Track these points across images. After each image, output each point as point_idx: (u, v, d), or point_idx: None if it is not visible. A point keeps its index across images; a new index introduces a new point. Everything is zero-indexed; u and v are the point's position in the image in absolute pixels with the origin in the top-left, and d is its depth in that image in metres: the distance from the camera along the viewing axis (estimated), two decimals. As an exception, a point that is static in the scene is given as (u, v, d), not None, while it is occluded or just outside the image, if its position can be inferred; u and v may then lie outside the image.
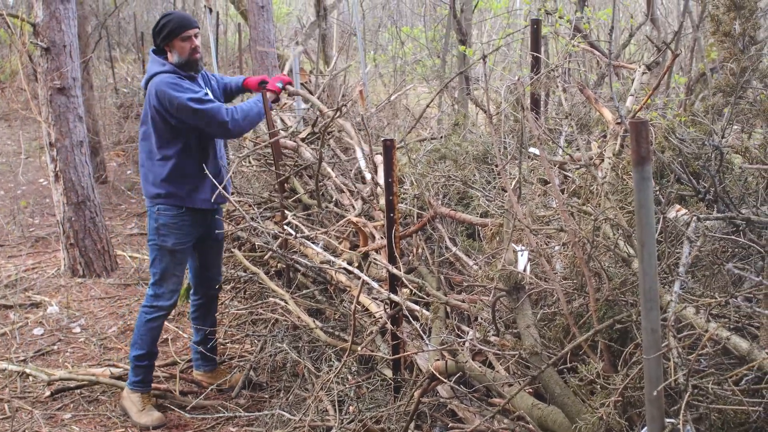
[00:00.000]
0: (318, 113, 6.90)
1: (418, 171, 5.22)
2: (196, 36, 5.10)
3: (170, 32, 5.01)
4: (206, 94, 5.03)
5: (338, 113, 5.88)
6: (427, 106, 5.71)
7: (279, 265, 6.49)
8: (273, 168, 6.62)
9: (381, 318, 4.52)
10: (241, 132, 5.27)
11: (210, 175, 5.04)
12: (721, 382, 2.44)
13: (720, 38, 5.79)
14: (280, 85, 5.50)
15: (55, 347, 6.40)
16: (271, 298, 5.74)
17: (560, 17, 8.31)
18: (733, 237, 3.08)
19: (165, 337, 6.43)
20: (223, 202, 5.41)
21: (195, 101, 4.89)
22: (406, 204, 5.05)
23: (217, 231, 5.42)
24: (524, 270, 3.49)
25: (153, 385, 5.44)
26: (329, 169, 6.15)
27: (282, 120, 8.11)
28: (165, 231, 5.13)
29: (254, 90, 5.60)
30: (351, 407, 4.26)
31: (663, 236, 2.95)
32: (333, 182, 6.15)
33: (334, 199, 6.13)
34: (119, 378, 5.57)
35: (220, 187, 4.97)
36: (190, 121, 4.95)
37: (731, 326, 2.68)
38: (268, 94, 5.41)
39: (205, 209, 5.23)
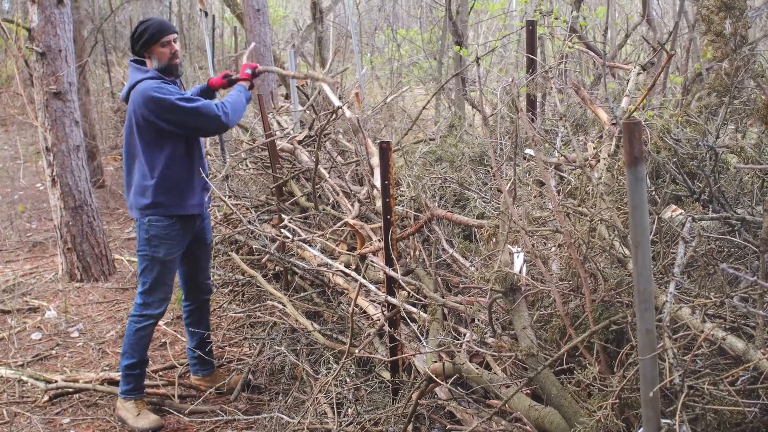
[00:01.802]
0: (314, 116, 6.92)
1: (415, 173, 5.23)
2: (175, 41, 5.06)
3: (150, 38, 4.97)
4: (192, 95, 5.02)
5: (334, 115, 5.89)
6: (423, 108, 5.73)
7: (276, 268, 6.50)
8: (270, 171, 6.63)
9: (379, 320, 4.53)
10: (233, 123, 5.21)
11: (198, 180, 5.04)
12: (717, 382, 2.44)
13: (711, 38, 5.81)
14: (249, 71, 5.43)
15: (53, 352, 6.39)
16: (269, 301, 5.74)
17: (556, 18, 8.33)
18: (728, 237, 3.09)
19: (163, 340, 6.44)
20: (208, 206, 5.40)
21: (184, 101, 4.85)
22: (402, 206, 5.05)
23: (206, 235, 5.41)
24: (520, 271, 3.50)
25: (151, 390, 5.44)
26: (325, 172, 6.15)
27: (279, 123, 8.12)
28: (156, 242, 5.10)
29: (221, 87, 5.55)
30: (349, 410, 4.26)
31: (658, 237, 2.95)
32: (330, 185, 6.15)
33: (331, 201, 6.13)
34: (117, 384, 5.57)
35: (218, 191, 4.99)
36: (182, 120, 4.90)
37: (727, 326, 2.69)
38: (244, 84, 5.37)
39: (194, 215, 5.21)
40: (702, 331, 2.50)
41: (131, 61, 5.12)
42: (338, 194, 6.02)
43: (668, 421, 2.29)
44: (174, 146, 5.00)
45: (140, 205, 5.07)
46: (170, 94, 4.85)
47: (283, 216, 5.69)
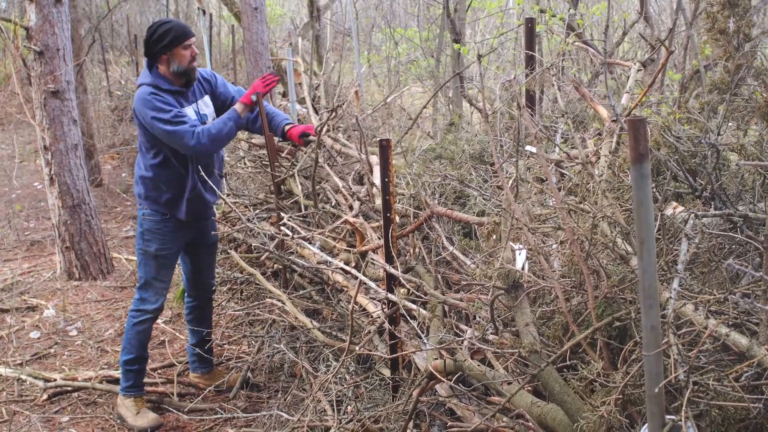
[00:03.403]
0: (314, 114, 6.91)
1: (414, 171, 5.22)
2: (194, 45, 5.05)
3: (173, 40, 4.88)
4: (179, 113, 4.91)
5: (334, 113, 5.88)
6: (423, 108, 5.71)
7: (275, 266, 6.49)
8: (268, 169, 6.61)
9: (378, 317, 4.52)
10: (208, 153, 5.16)
11: (186, 189, 5.05)
12: (722, 378, 2.44)
13: (715, 36, 5.82)
14: (254, 98, 5.33)
15: (52, 350, 6.39)
16: (268, 299, 5.73)
17: (553, 16, 8.32)
18: (730, 234, 3.09)
19: (162, 339, 6.42)
20: (207, 215, 5.36)
21: (163, 122, 4.82)
22: (402, 204, 5.04)
23: (207, 236, 5.40)
24: (522, 268, 3.49)
25: (150, 388, 5.43)
26: (329, 169, 6.14)
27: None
28: (149, 236, 5.13)
29: (296, 141, 5.54)
30: (349, 407, 4.25)
31: (661, 234, 2.95)
32: (330, 184, 6.14)
33: (331, 200, 6.12)
34: (116, 382, 5.56)
35: (220, 194, 5.00)
36: (160, 136, 4.91)
37: (730, 323, 2.69)
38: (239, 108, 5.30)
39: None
40: (706, 328, 2.49)
41: (147, 61, 5.06)
42: (337, 192, 6.01)
43: (672, 417, 2.29)
44: (167, 151, 5.02)
45: (137, 192, 5.18)
46: (153, 110, 4.84)
47: (282, 214, 5.67)
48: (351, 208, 5.61)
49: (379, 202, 4.95)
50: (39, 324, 6.90)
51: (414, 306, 4.22)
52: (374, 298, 4.81)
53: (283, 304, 5.38)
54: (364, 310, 4.90)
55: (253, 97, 5.28)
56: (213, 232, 5.43)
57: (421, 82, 13.84)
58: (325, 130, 6.13)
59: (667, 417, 2.29)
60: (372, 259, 4.84)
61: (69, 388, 5.60)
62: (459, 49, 10.01)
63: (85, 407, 5.43)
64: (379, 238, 4.66)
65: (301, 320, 5.16)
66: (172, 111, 4.88)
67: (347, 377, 4.59)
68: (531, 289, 3.46)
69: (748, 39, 5.56)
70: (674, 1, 9.40)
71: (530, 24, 5.88)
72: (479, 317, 3.83)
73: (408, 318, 4.15)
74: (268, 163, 6.49)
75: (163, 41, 4.90)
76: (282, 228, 5.40)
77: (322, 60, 13.59)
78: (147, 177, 5.08)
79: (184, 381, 5.66)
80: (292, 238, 5.13)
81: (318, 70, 11.53)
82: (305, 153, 5.84)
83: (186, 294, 5.59)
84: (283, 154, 6.19)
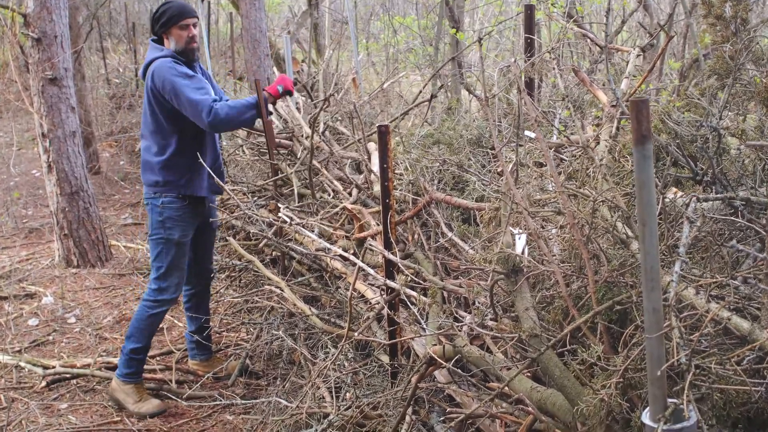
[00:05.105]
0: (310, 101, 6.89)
1: (413, 156, 5.20)
2: (194, 26, 5.08)
3: (169, 19, 4.99)
4: (200, 80, 4.99)
5: (327, 103, 5.87)
6: (420, 92, 5.70)
7: (274, 253, 6.48)
8: (266, 157, 6.60)
9: (377, 304, 4.51)
10: (222, 130, 5.21)
11: (206, 163, 5.03)
12: (723, 362, 2.43)
13: (712, 21, 5.80)
14: (280, 89, 5.34)
15: (50, 338, 6.38)
16: (266, 286, 5.72)
17: (553, 4, 8.30)
18: (732, 218, 3.07)
19: (160, 326, 6.40)
20: (220, 192, 5.39)
21: (188, 89, 4.85)
22: (400, 190, 5.03)
23: (211, 219, 5.39)
24: (522, 253, 3.48)
25: (149, 375, 5.42)
26: (323, 170, 6.13)
27: (276, 110, 8.10)
28: (170, 224, 5.10)
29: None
30: (348, 394, 4.24)
31: (662, 217, 2.94)
32: (327, 178, 6.13)
33: (329, 190, 6.10)
34: (115, 368, 5.55)
35: (218, 180, 4.99)
36: (180, 105, 4.91)
37: (731, 307, 2.68)
38: (266, 94, 5.30)
39: (203, 198, 5.20)
40: (707, 311, 2.48)
41: (151, 40, 5.17)
42: (333, 183, 5.99)
43: (674, 400, 2.27)
44: (185, 125, 5.01)
45: (150, 182, 5.13)
46: (178, 76, 4.88)
47: (279, 205, 5.66)
48: (350, 195, 5.60)
49: (377, 188, 4.94)
50: (37, 311, 6.90)
51: (413, 292, 4.21)
52: (373, 285, 4.81)
53: (282, 291, 5.36)
54: (363, 296, 4.89)
55: (279, 88, 5.26)
56: (213, 219, 5.43)
57: (419, 71, 13.80)
58: (321, 119, 6.12)
59: (669, 401, 2.28)
60: (371, 245, 4.83)
61: (67, 375, 5.59)
62: (455, 34, 9.98)
63: (84, 394, 5.42)
64: (378, 225, 4.65)
65: (299, 307, 5.15)
66: (195, 77, 4.97)
67: (346, 364, 4.58)
68: (531, 274, 3.45)
69: (745, 24, 5.54)
70: (674, -12, 9.37)
71: (529, 11, 5.87)
72: (478, 303, 3.82)
73: (407, 304, 4.14)
74: (266, 151, 6.48)
75: (162, 20, 5.04)
76: (281, 214, 5.39)
77: (320, 48, 13.56)
78: (165, 160, 5.06)
79: (182, 368, 5.66)
80: (290, 224, 5.11)
81: (317, 58, 11.50)
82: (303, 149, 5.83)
83: (185, 282, 5.57)
84: (282, 151, 6.20)
